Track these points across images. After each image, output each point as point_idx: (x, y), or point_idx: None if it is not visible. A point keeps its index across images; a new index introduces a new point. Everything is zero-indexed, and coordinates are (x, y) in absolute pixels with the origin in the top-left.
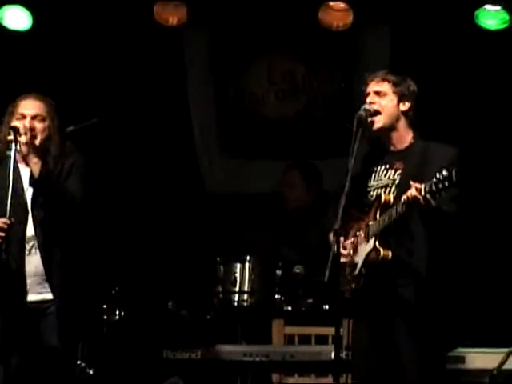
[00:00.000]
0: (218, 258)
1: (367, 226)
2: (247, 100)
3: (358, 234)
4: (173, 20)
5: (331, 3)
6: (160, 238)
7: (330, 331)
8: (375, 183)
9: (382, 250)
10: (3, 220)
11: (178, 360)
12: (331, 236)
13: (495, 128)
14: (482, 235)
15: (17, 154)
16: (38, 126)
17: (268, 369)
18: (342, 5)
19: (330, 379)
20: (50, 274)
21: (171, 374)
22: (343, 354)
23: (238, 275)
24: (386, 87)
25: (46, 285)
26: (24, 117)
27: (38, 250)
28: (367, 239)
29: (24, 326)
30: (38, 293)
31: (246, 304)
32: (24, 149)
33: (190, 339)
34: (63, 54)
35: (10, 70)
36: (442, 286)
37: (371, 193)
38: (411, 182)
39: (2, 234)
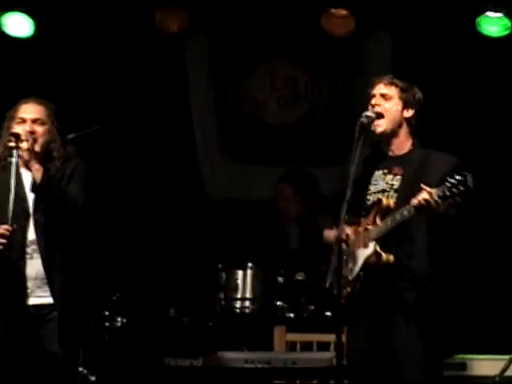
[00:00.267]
0: (219, 265)
1: (365, 230)
2: (248, 105)
3: (353, 238)
4: (174, 27)
5: (333, 10)
6: (161, 245)
7: (331, 338)
8: (372, 188)
9: (383, 254)
10: (5, 227)
11: (180, 367)
12: (327, 234)
13: (496, 134)
14: (480, 239)
15: (18, 160)
16: (38, 129)
17: (270, 376)
18: (343, 12)
19: None
20: (51, 278)
21: (173, 382)
22: (345, 361)
23: (239, 282)
24: (393, 91)
25: (47, 289)
26: (24, 121)
27: (39, 255)
28: (366, 243)
29: (25, 331)
30: (39, 296)
31: (247, 311)
32: (25, 155)
33: (192, 346)
34: (65, 61)
35: (12, 76)
36: (444, 291)
37: (368, 197)
38: (423, 186)
39: (3, 240)
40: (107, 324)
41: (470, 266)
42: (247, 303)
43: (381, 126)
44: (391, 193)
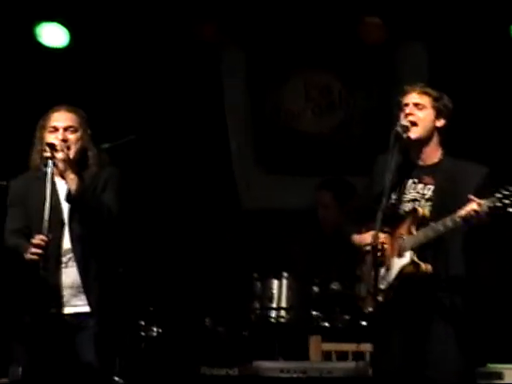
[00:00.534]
0: (254, 275)
1: (400, 239)
2: (283, 116)
3: (385, 247)
4: (210, 36)
5: (368, 19)
6: (197, 255)
7: (367, 347)
8: (402, 197)
9: (422, 264)
10: (41, 237)
11: (216, 376)
12: (357, 239)
13: None
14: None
15: (54, 170)
16: (71, 137)
17: None
18: (378, 20)
19: None
20: (87, 287)
21: None
22: (372, 370)
23: (275, 291)
24: (425, 100)
25: (83, 297)
26: (56, 129)
27: (74, 263)
28: (401, 253)
29: (60, 340)
30: (75, 306)
31: (283, 320)
32: (61, 165)
33: (228, 356)
34: (100, 71)
35: (47, 86)
36: (480, 299)
37: (398, 206)
38: (471, 197)
39: (40, 251)
40: (143, 333)
41: (505, 273)
42: (282, 313)
43: (414, 133)
44: (422, 202)
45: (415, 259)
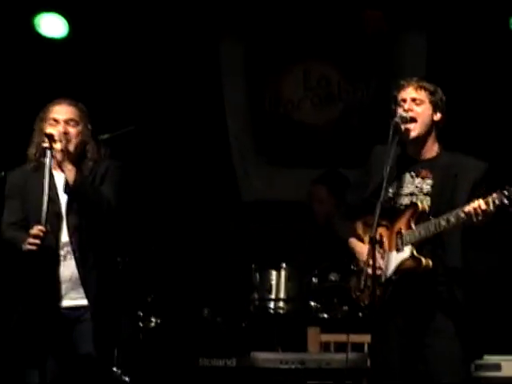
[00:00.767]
0: (253, 266)
1: (399, 233)
2: (283, 106)
3: (384, 240)
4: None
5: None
6: (196, 246)
7: (365, 338)
8: (399, 190)
9: (423, 259)
10: (39, 227)
11: (214, 367)
12: (353, 243)
13: None
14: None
15: (52, 161)
16: (72, 130)
17: (304, 376)
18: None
19: None
20: (85, 280)
21: (207, 382)
22: (369, 362)
23: (273, 282)
24: (423, 95)
25: (81, 290)
26: (57, 122)
27: (72, 256)
28: (399, 247)
29: (58, 332)
30: (73, 298)
31: (281, 311)
32: (59, 156)
33: (226, 347)
34: (99, 61)
35: (46, 77)
36: (478, 292)
37: (395, 199)
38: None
39: (37, 241)
40: (141, 324)
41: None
42: (281, 304)
43: (414, 130)
44: (421, 196)
45: (415, 254)
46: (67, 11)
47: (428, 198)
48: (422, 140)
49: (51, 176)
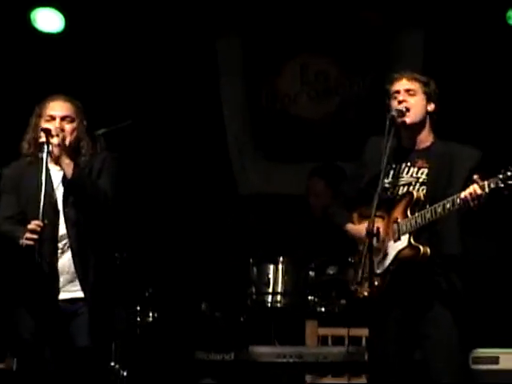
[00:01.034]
0: (250, 260)
1: (395, 223)
2: (280, 101)
3: (380, 231)
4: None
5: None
6: (193, 240)
7: (363, 332)
8: (396, 180)
9: (421, 247)
10: (36, 222)
11: (212, 361)
12: (352, 228)
13: None
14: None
15: (48, 156)
16: (68, 127)
17: (301, 370)
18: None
19: (363, 380)
20: (82, 273)
21: (204, 376)
22: (367, 355)
23: (271, 276)
24: (416, 86)
25: (77, 283)
26: (53, 118)
27: (70, 249)
28: (397, 236)
29: (56, 326)
30: (70, 291)
31: (279, 305)
32: (56, 150)
33: (224, 341)
34: (95, 56)
35: (42, 72)
36: (475, 282)
37: (391, 190)
38: (475, 178)
39: (35, 236)
40: (139, 319)
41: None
42: (278, 297)
43: (408, 117)
44: (417, 186)
45: (413, 242)
46: (63, 6)
47: (424, 187)
48: (416, 130)
49: (47, 171)
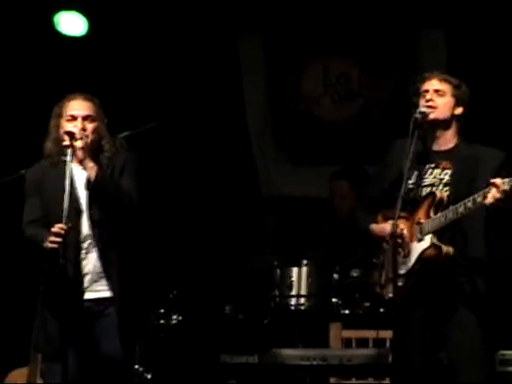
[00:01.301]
0: (274, 262)
1: (418, 223)
2: (303, 102)
3: (404, 232)
4: None
5: None
6: (217, 242)
7: (387, 334)
8: (419, 181)
9: (444, 247)
10: (60, 226)
11: (236, 364)
12: (376, 229)
13: None
14: None
15: (72, 159)
16: (89, 126)
17: (325, 372)
18: None
19: (387, 382)
20: (108, 272)
21: (229, 379)
22: (391, 357)
23: (294, 279)
24: (446, 87)
25: (104, 282)
26: (75, 118)
27: (95, 249)
28: (420, 237)
29: (82, 326)
30: (96, 291)
31: (302, 308)
32: (80, 153)
33: (248, 343)
34: (119, 59)
35: (66, 75)
36: (501, 282)
37: (415, 190)
38: (493, 180)
39: (59, 239)
40: (163, 321)
41: None
42: (302, 300)
43: (433, 113)
44: (441, 187)
45: (436, 242)
46: (87, 10)
47: (447, 188)
48: (440, 129)
49: (71, 174)
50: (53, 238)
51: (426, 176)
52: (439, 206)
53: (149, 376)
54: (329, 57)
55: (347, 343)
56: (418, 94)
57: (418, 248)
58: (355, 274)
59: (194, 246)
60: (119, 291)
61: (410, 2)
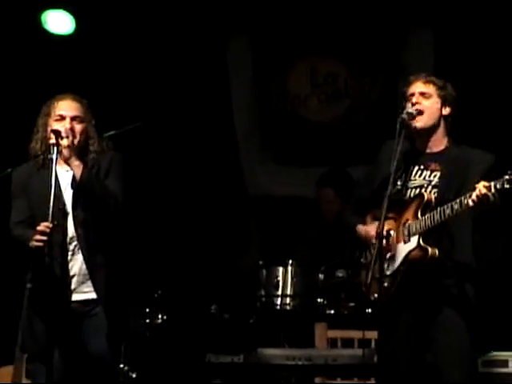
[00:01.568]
0: (260, 262)
1: (405, 224)
2: (290, 103)
3: (391, 233)
4: None
5: None
6: (202, 242)
7: (373, 335)
8: (409, 183)
9: (429, 248)
10: (46, 224)
11: (221, 364)
12: (362, 230)
13: None
14: None
15: (58, 157)
16: (77, 127)
17: (311, 372)
18: None
19: (373, 382)
20: (93, 274)
21: (214, 378)
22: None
23: (280, 279)
24: (431, 89)
25: (90, 284)
26: (63, 118)
27: (80, 251)
28: (406, 238)
29: (68, 327)
30: (82, 292)
31: (288, 307)
32: (66, 152)
33: (233, 343)
34: (105, 57)
35: (53, 73)
36: (487, 284)
37: (404, 192)
38: (482, 182)
39: (44, 237)
40: (148, 321)
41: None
42: (288, 300)
43: (419, 121)
44: (429, 188)
45: (422, 244)
46: (74, 8)
47: (435, 190)
48: (429, 133)
49: (56, 172)
50: (38, 237)
51: (416, 177)
52: (427, 207)
53: (134, 375)
54: (317, 56)
55: (333, 343)
56: (406, 97)
57: (404, 249)
58: (340, 274)
59: (179, 246)
60: (105, 292)
61: (398, 2)
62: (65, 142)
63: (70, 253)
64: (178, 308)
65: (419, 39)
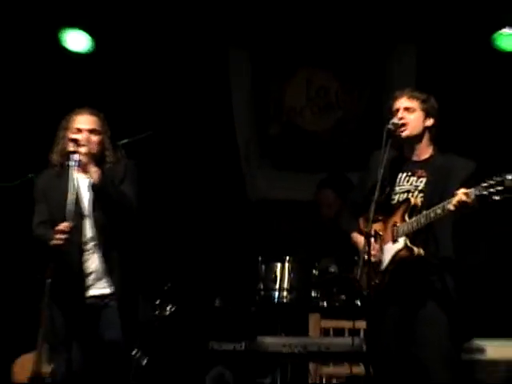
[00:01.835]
0: (259, 258)
1: (393, 226)
2: (285, 114)
3: (381, 234)
4: None
5: None
6: (208, 241)
7: (362, 325)
8: (397, 188)
9: (415, 249)
10: (65, 224)
11: (224, 351)
12: (354, 237)
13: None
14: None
15: (77, 164)
16: (94, 139)
17: (305, 359)
18: None
19: (362, 368)
20: (110, 271)
21: (217, 364)
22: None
23: (278, 274)
24: (415, 104)
25: (106, 280)
26: (80, 131)
27: (98, 250)
28: (394, 239)
29: (84, 321)
30: (99, 288)
31: (285, 300)
32: (84, 159)
33: (235, 332)
34: (120, 74)
35: (71, 90)
36: (468, 279)
37: (393, 197)
38: (463, 190)
39: (63, 236)
40: (157, 312)
41: (493, 254)
42: (285, 293)
43: (404, 131)
44: (416, 193)
45: (408, 244)
46: (91, 27)
47: (422, 195)
48: (414, 142)
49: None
50: (58, 236)
51: (403, 183)
52: (413, 211)
53: (145, 361)
54: (311, 69)
55: (325, 332)
56: (391, 112)
57: (392, 249)
58: (333, 270)
59: (187, 244)
60: (120, 287)
61: (384, 20)
62: (83, 150)
63: (88, 252)
64: (185, 300)
65: (403, 53)
